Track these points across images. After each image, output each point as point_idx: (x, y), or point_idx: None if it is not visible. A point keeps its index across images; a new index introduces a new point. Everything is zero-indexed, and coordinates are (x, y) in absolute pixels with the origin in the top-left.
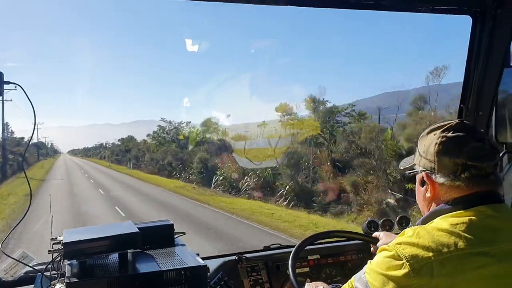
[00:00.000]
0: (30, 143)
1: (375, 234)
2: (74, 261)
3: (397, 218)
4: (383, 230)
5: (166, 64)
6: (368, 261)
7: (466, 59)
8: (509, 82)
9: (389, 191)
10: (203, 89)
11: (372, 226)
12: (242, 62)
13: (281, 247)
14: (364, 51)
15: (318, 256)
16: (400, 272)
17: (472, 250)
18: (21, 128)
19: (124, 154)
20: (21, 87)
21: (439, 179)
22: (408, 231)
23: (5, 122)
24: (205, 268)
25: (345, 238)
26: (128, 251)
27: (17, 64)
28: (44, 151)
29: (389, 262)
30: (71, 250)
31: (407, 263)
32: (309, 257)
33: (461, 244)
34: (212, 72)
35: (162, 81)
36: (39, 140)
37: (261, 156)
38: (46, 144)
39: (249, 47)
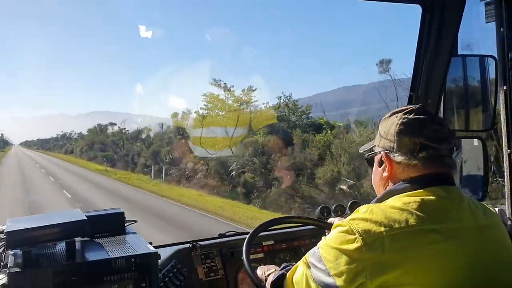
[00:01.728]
0: None
1: (330, 220)
2: (18, 251)
3: (349, 203)
4: (335, 216)
5: (120, 53)
6: (323, 237)
7: (416, 48)
8: (457, 71)
9: (342, 178)
10: (158, 78)
11: (325, 211)
12: (197, 50)
13: (236, 234)
14: (321, 45)
15: (273, 242)
16: (352, 246)
17: (422, 227)
18: None
19: (104, 149)
20: None
21: (397, 157)
22: (362, 208)
23: None
24: (155, 255)
25: (299, 224)
26: (76, 239)
27: None
28: None
29: (342, 236)
30: (14, 239)
31: (360, 238)
32: (264, 243)
33: (412, 220)
34: (165, 60)
35: (116, 72)
36: None
37: (217, 145)
38: None
39: (205, 35)
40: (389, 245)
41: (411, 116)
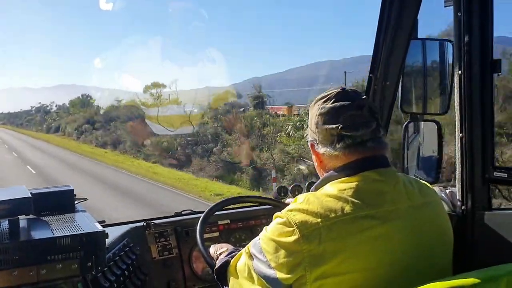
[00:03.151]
0: None
1: (288, 200)
2: None
3: (306, 184)
4: (292, 196)
5: (82, 26)
6: (264, 228)
7: (376, 30)
8: (415, 54)
9: (300, 158)
10: (118, 51)
11: (282, 191)
12: (155, 23)
13: (192, 213)
14: (293, 21)
15: (228, 221)
16: (290, 239)
17: (358, 214)
18: None
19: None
20: None
21: (321, 149)
22: (300, 197)
23: None
24: (102, 233)
25: (255, 204)
26: (21, 217)
27: None
28: None
29: (281, 228)
30: None
31: (297, 230)
32: (219, 222)
33: (347, 208)
34: (125, 33)
35: (78, 44)
36: None
37: (175, 123)
38: None
39: (166, 7)
40: (325, 236)
41: (328, 105)
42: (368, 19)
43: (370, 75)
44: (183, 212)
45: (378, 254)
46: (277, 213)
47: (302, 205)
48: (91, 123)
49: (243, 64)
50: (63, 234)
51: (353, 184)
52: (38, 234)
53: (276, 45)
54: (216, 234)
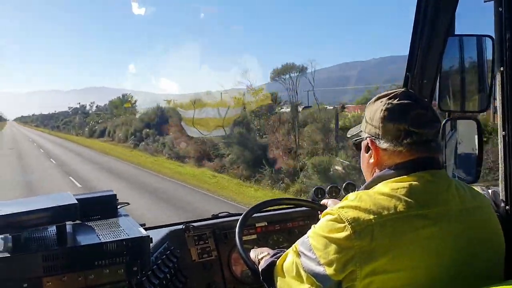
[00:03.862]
0: None
1: (323, 201)
2: (8, 235)
3: (343, 184)
4: (330, 197)
5: (113, 30)
6: (312, 226)
7: (412, 27)
8: (453, 51)
9: (336, 158)
10: (151, 56)
11: (319, 193)
12: (191, 28)
13: (229, 215)
14: (320, 21)
15: (266, 223)
16: (341, 235)
17: (411, 213)
18: None
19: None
20: None
21: (383, 144)
22: (351, 195)
23: None
24: (147, 238)
25: (292, 205)
26: (67, 223)
27: None
28: None
29: (331, 225)
30: (3, 223)
31: (349, 226)
32: (257, 225)
33: (400, 207)
34: (160, 38)
35: (109, 47)
36: None
37: (209, 125)
38: None
39: (199, 12)
40: (378, 233)
41: (395, 102)
42: (397, 18)
43: (407, 73)
44: (220, 215)
45: (429, 254)
46: (326, 210)
47: (354, 202)
48: (151, 127)
49: (271, 64)
50: (109, 240)
51: (407, 184)
52: (85, 239)
53: (304, 45)
54: (254, 236)
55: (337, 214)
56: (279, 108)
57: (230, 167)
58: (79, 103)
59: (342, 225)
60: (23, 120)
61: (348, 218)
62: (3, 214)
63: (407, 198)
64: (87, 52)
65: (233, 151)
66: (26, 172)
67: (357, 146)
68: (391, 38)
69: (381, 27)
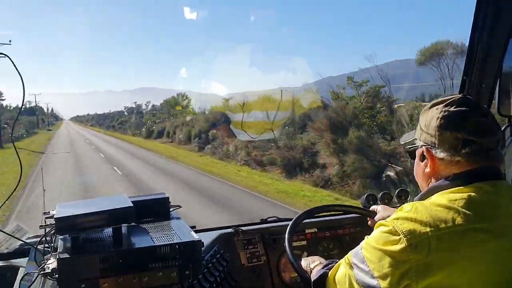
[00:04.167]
0: (19, 116)
1: (373, 207)
2: (67, 236)
3: (396, 191)
4: (381, 204)
5: (165, 32)
6: (366, 237)
7: (470, 29)
8: None
9: (389, 164)
10: (201, 58)
11: (371, 199)
12: (240, 31)
13: (279, 220)
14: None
15: (316, 230)
16: (397, 247)
17: (470, 226)
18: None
19: None
20: (8, 57)
21: (439, 154)
22: (406, 206)
23: None
24: (199, 243)
25: (342, 212)
26: (122, 225)
27: (12, 33)
28: (43, 117)
29: (386, 237)
30: (63, 225)
31: (404, 238)
32: (307, 231)
33: (459, 219)
34: (210, 41)
35: (161, 49)
36: (36, 104)
37: (258, 129)
38: (47, 110)
39: (249, 15)
40: (435, 246)
41: (452, 109)
42: (447, 14)
43: (464, 77)
44: (268, 219)
45: (487, 271)
46: (380, 222)
47: (409, 214)
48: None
49: (317, 63)
50: (163, 243)
51: (465, 195)
52: (140, 242)
53: (351, 44)
54: (304, 242)
55: (391, 226)
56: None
57: (339, 181)
58: (135, 102)
59: (397, 237)
60: (78, 120)
61: (404, 230)
62: (63, 215)
63: (465, 210)
64: (138, 54)
65: (347, 160)
66: (87, 189)
67: (411, 153)
68: (447, 35)
69: (433, 22)
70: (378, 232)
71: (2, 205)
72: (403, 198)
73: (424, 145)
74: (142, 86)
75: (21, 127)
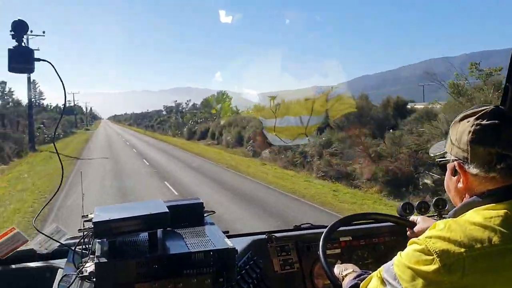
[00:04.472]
0: (59, 123)
1: (413, 218)
2: (105, 240)
3: (434, 200)
4: (418, 213)
5: (201, 34)
6: (398, 253)
7: None
8: None
9: (426, 172)
10: (236, 61)
11: (408, 208)
12: (275, 34)
13: (312, 227)
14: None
15: (350, 238)
16: (430, 268)
17: (507, 246)
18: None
19: None
20: (50, 64)
21: (472, 169)
22: (439, 224)
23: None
24: (233, 250)
25: (378, 220)
26: (158, 230)
27: (53, 37)
28: (82, 117)
29: (418, 256)
30: (101, 229)
31: (438, 259)
32: (341, 239)
33: (495, 239)
34: (245, 43)
35: (196, 50)
36: (75, 104)
37: (292, 134)
38: (86, 109)
39: (283, 18)
40: (469, 268)
41: (484, 122)
42: (495, 8)
43: (507, 84)
44: (302, 226)
45: None
46: (413, 239)
47: (442, 232)
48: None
49: (352, 61)
50: (197, 250)
51: (502, 212)
52: (175, 248)
53: (388, 42)
54: (338, 250)
55: (424, 245)
56: None
57: None
58: (175, 101)
59: (430, 257)
60: (116, 119)
61: (437, 250)
62: (102, 220)
63: (502, 229)
64: (174, 55)
65: None
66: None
67: (442, 166)
68: (482, 32)
69: (469, 21)
70: (410, 250)
71: (47, 203)
72: (441, 207)
73: (455, 160)
74: (177, 86)
75: (59, 127)
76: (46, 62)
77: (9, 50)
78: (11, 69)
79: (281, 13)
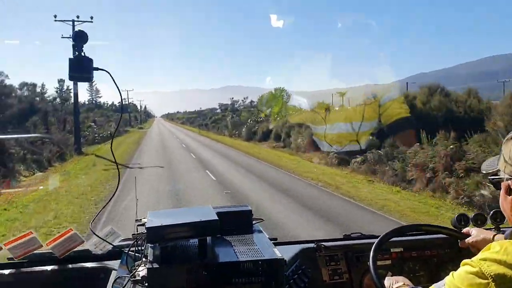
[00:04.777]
0: (120, 122)
1: (466, 229)
2: (157, 245)
3: (491, 212)
4: (474, 225)
5: (252, 36)
6: (451, 273)
7: None
8: None
9: (484, 182)
10: (287, 63)
11: (463, 220)
12: (326, 37)
13: (363, 236)
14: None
15: (401, 249)
16: None
17: None
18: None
19: None
20: (108, 73)
21: None
22: (495, 245)
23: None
24: (282, 261)
25: (431, 232)
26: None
27: (107, 42)
28: (136, 115)
29: (472, 279)
30: (153, 234)
31: (493, 283)
32: (392, 250)
33: None
34: (296, 46)
35: (247, 50)
36: (130, 102)
37: (342, 140)
38: (140, 107)
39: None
40: None
41: None
42: None
43: None
44: (352, 235)
45: None
46: (466, 260)
47: (498, 255)
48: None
49: (406, 59)
50: (246, 259)
51: None
52: (224, 256)
53: (444, 39)
54: (388, 262)
55: (478, 267)
56: None
57: None
58: (232, 98)
59: (485, 281)
60: (169, 117)
61: (492, 273)
62: (154, 225)
63: None
64: (225, 54)
65: None
66: None
67: (496, 184)
68: None
69: None
70: (463, 272)
71: (105, 205)
72: (499, 220)
73: (509, 178)
74: (228, 84)
75: (111, 125)
76: (104, 71)
77: (70, 59)
78: (71, 77)
79: (333, 16)
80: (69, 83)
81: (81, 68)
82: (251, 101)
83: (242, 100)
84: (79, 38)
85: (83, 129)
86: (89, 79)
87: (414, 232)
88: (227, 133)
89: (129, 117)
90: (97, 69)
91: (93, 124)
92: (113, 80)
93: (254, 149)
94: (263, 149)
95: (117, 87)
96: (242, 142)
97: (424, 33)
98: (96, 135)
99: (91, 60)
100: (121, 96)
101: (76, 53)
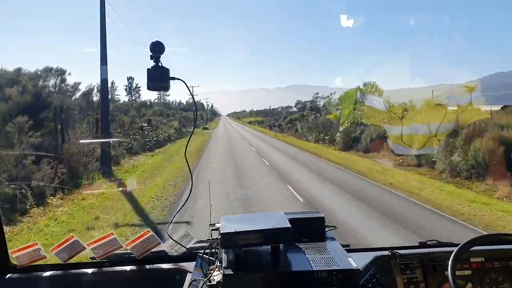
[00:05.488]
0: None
1: None
2: (231, 251)
3: None
4: None
5: (318, 33)
6: None
7: None
8: None
9: None
10: (357, 62)
11: None
12: (399, 37)
13: (439, 244)
14: None
15: (483, 259)
16: None
17: None
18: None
19: None
20: (184, 82)
21: None
22: None
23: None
24: (357, 271)
25: None
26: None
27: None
28: (202, 113)
29: None
30: (228, 240)
31: None
32: (472, 259)
33: None
34: (367, 47)
35: (313, 49)
36: (197, 101)
37: (418, 142)
38: (207, 106)
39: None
40: None
41: None
42: None
43: None
44: (428, 243)
45: None
46: None
47: None
48: None
49: (483, 57)
50: (320, 269)
51: None
52: (297, 264)
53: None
54: (468, 272)
55: None
56: None
57: None
58: (317, 93)
59: None
60: (235, 116)
61: None
62: (229, 231)
63: None
64: (290, 54)
65: None
66: None
67: None
68: None
69: None
70: None
71: (178, 210)
72: None
73: None
74: (293, 83)
75: (172, 125)
76: (180, 80)
77: (148, 70)
78: (149, 87)
79: (405, 15)
80: (138, 81)
81: (159, 78)
82: (331, 96)
83: (330, 96)
84: (156, 49)
85: (129, 132)
86: (166, 88)
87: (496, 242)
88: (312, 137)
89: (195, 116)
90: (173, 78)
91: (145, 124)
92: (188, 88)
93: (382, 172)
94: (397, 171)
95: (192, 96)
96: (339, 153)
97: (502, 29)
98: (148, 139)
99: (167, 70)
100: (194, 105)
101: (154, 63)
